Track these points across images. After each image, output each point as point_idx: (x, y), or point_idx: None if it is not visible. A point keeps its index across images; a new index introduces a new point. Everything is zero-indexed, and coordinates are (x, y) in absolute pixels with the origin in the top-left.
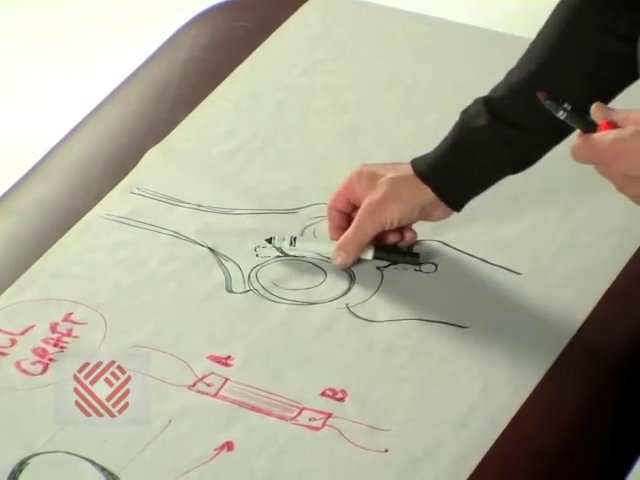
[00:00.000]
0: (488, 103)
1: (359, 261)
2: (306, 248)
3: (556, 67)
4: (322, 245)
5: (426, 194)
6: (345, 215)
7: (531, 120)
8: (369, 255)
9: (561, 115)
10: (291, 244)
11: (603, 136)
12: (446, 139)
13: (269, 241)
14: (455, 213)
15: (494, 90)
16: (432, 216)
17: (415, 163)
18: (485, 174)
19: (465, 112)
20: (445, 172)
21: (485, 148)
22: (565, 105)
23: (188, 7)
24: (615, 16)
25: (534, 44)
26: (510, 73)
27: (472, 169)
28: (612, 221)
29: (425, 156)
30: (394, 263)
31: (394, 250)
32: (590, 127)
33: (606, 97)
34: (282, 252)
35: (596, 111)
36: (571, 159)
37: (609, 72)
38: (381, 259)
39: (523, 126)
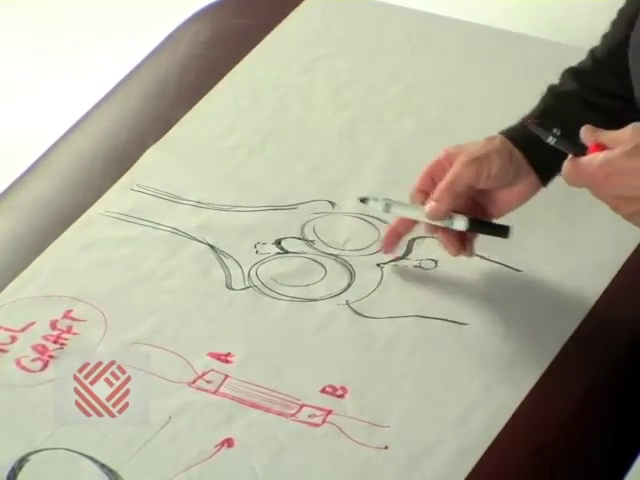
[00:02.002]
0: (576, 73)
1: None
2: (399, 212)
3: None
4: (416, 210)
5: (521, 157)
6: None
7: (617, 88)
8: (462, 224)
9: (550, 140)
10: (386, 207)
11: (592, 159)
12: (536, 106)
13: (363, 200)
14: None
15: (581, 63)
16: (520, 187)
17: (505, 131)
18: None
19: (552, 84)
20: (534, 136)
21: (575, 113)
22: (554, 130)
23: (188, 4)
24: None
25: (616, 19)
26: (594, 49)
27: (561, 135)
28: (612, 218)
29: (514, 124)
30: (485, 234)
31: (486, 222)
32: (580, 150)
33: None
34: (282, 249)
35: (585, 133)
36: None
37: None
38: (473, 231)
39: (610, 93)
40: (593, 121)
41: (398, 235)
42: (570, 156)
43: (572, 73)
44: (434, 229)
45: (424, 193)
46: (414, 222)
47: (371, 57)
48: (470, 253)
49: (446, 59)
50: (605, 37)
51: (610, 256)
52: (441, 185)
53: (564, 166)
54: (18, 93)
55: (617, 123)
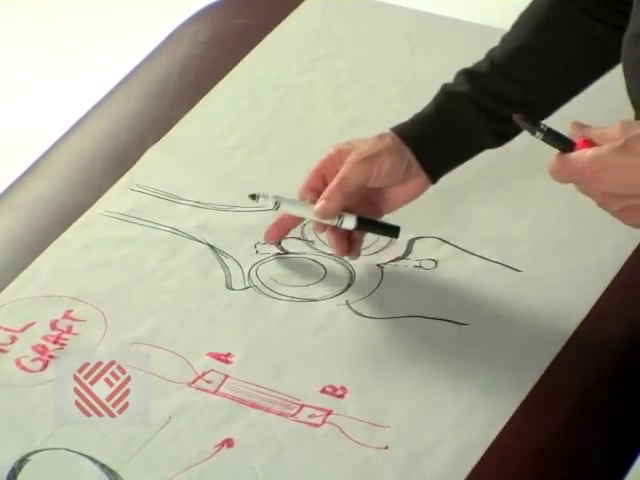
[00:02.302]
0: (470, 74)
1: (354, 250)
2: (289, 210)
3: (537, 47)
4: (306, 208)
5: (411, 155)
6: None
7: (511, 95)
8: (351, 224)
9: (538, 136)
10: (275, 205)
11: (581, 155)
12: (427, 106)
13: (253, 197)
14: (454, 211)
15: (476, 65)
16: (410, 184)
17: (395, 127)
18: (464, 142)
19: (446, 84)
20: (425, 135)
21: (466, 115)
22: (542, 126)
23: (188, 4)
24: (604, 4)
25: (518, 23)
26: (492, 51)
27: (452, 135)
28: (612, 218)
29: (405, 122)
30: (373, 233)
31: (376, 222)
32: (567, 146)
33: (584, 80)
34: (282, 249)
35: (573, 129)
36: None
37: (591, 56)
38: (362, 229)
39: (503, 99)
40: (482, 123)
41: (285, 228)
42: (558, 152)
43: (467, 75)
44: (322, 227)
45: (314, 191)
46: (302, 218)
47: (371, 57)
48: (356, 253)
49: (446, 59)
50: (505, 40)
51: (610, 256)
52: (331, 184)
53: (552, 162)
54: (18, 93)
55: (507, 128)
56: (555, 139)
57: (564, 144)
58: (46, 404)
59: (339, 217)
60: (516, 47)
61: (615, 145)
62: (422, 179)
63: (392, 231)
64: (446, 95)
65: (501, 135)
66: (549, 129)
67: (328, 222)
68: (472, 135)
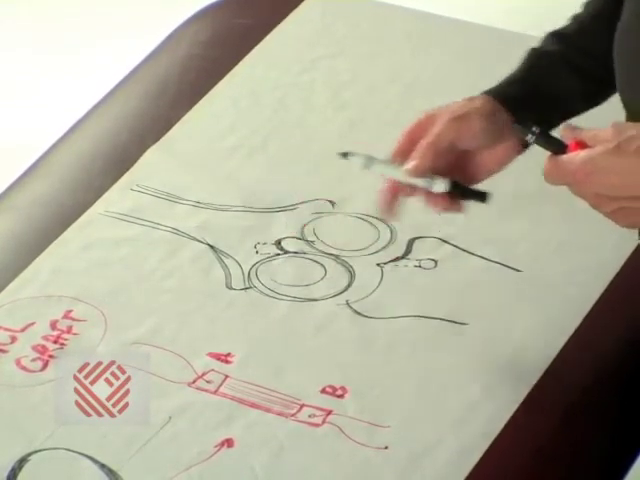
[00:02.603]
0: (558, 34)
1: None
2: (379, 170)
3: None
4: (396, 169)
5: (504, 117)
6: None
7: (600, 52)
8: (444, 186)
9: (530, 139)
10: (366, 164)
11: (573, 157)
12: (517, 68)
13: (344, 155)
14: (460, 213)
15: (562, 27)
16: (500, 149)
17: (487, 91)
18: (555, 102)
19: (534, 47)
20: (519, 95)
21: (556, 73)
22: (533, 128)
23: (188, 4)
24: None
25: None
26: (577, 16)
27: (543, 95)
28: None
29: (497, 84)
30: (463, 198)
31: (466, 187)
32: (559, 148)
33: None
34: (282, 249)
35: (565, 131)
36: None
37: None
38: (454, 193)
39: (593, 56)
40: (573, 82)
41: (394, 193)
42: (549, 155)
43: (555, 36)
44: (415, 191)
45: (405, 154)
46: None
47: (371, 57)
48: (459, 208)
49: (446, 59)
50: (587, 4)
51: (610, 256)
52: (422, 142)
53: (544, 164)
54: (18, 93)
55: (595, 85)
56: (547, 141)
57: (556, 146)
58: (46, 404)
59: (431, 178)
60: (598, 8)
61: (608, 147)
62: (511, 144)
63: (482, 197)
64: (536, 56)
65: (593, 95)
66: (541, 131)
67: (419, 182)
68: (565, 95)
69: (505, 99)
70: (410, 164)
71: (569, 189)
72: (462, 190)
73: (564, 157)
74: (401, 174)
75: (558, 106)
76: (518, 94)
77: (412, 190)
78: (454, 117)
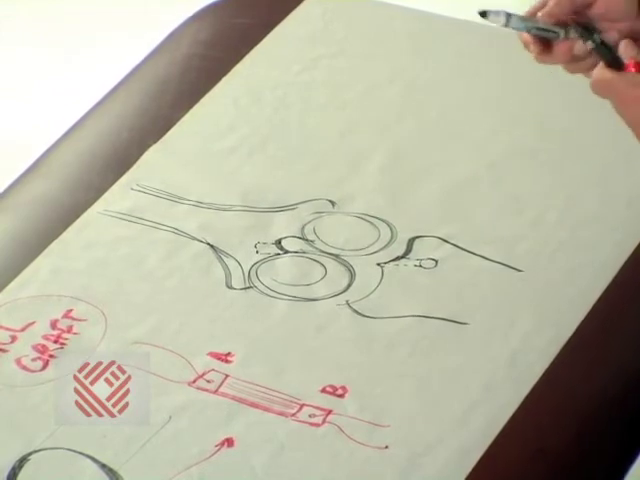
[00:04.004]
0: None
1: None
2: (519, 25)
3: None
4: (533, 22)
5: None
6: None
7: None
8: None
9: (589, 45)
10: (507, 20)
11: (628, 77)
12: None
13: (483, 14)
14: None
15: None
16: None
17: None
18: None
19: None
20: None
21: None
22: (595, 36)
23: (188, 3)
24: None
25: None
26: None
27: None
28: (612, 217)
29: None
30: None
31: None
32: (617, 63)
33: None
34: (282, 249)
35: (625, 49)
36: (571, 157)
37: None
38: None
39: None
40: None
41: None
42: (602, 65)
43: None
44: (549, 47)
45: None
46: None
47: (371, 57)
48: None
49: (446, 59)
50: None
51: (610, 256)
52: None
53: (596, 72)
54: (18, 92)
55: None
56: (605, 53)
57: (613, 61)
58: (46, 404)
59: (565, 31)
60: None
61: None
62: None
63: (618, 64)
64: None
65: None
66: (603, 41)
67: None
68: None
69: None
70: (547, 9)
71: (612, 105)
72: (603, 49)
73: (617, 75)
74: (537, 27)
75: None
76: None
77: (547, 45)
78: None
